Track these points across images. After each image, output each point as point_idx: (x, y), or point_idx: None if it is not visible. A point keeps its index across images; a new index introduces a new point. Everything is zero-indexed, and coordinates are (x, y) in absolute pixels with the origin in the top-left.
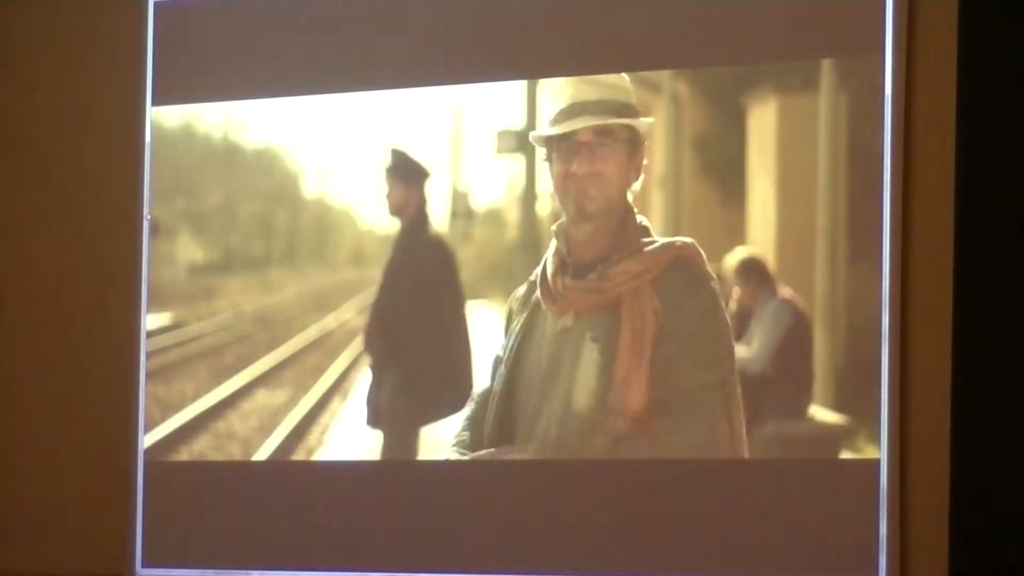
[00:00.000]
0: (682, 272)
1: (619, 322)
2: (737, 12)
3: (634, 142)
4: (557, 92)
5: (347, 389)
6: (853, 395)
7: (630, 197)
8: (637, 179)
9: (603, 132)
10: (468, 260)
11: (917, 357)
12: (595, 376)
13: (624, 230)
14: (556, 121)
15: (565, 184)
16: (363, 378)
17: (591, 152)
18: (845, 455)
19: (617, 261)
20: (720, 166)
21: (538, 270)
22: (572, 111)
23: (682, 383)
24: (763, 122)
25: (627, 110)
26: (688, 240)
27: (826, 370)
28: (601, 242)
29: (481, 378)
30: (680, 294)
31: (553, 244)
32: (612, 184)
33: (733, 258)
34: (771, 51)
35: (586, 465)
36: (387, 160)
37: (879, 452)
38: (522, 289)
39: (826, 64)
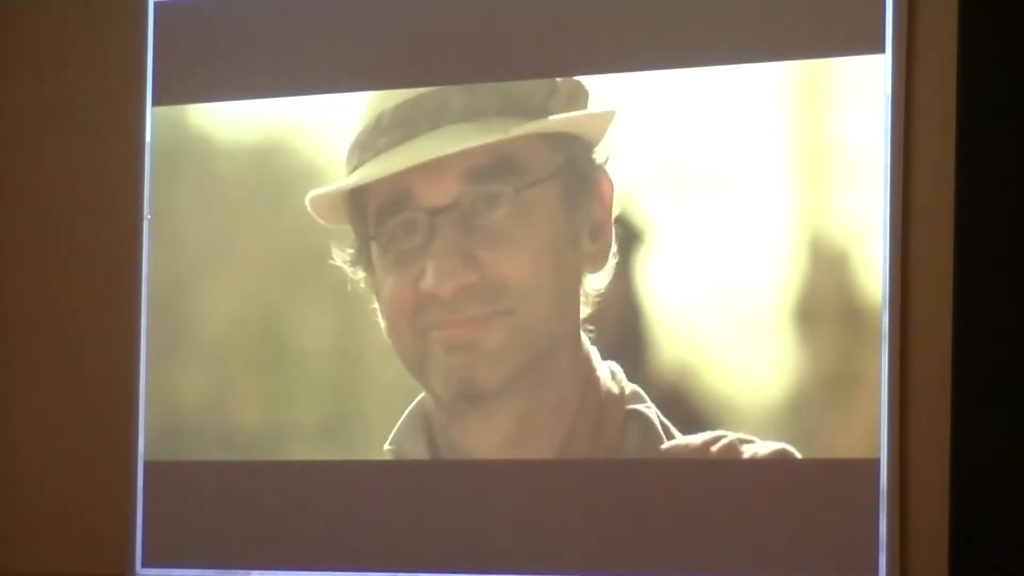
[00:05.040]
0: None
1: None
2: (736, 12)
3: None
4: None
5: None
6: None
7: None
8: None
9: None
10: None
11: (917, 357)
12: None
13: None
14: None
15: None
16: None
17: None
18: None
19: None
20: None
21: None
22: None
23: None
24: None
25: None
26: None
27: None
28: None
29: None
30: None
31: None
32: None
33: None
34: (771, 51)
35: (586, 465)
36: None
37: (879, 452)
38: None
39: (826, 64)
